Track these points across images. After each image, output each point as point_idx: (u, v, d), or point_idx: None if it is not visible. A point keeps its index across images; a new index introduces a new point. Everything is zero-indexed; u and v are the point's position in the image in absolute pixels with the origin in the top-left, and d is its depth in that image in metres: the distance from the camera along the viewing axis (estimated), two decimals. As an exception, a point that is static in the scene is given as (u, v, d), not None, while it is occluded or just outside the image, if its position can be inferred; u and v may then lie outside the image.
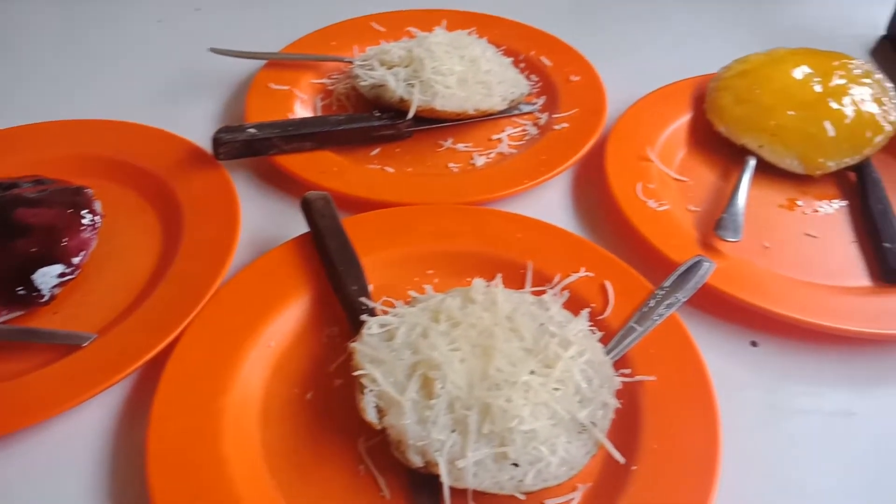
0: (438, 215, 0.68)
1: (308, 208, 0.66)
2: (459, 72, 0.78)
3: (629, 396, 0.54)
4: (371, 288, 0.60)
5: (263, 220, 0.71)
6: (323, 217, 0.65)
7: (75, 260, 0.63)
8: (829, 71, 0.79)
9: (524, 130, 0.82)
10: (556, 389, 0.49)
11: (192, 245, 0.65)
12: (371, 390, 0.49)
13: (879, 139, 0.75)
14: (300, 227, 0.66)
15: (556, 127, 0.80)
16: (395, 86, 0.76)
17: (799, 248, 0.69)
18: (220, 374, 0.55)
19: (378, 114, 0.78)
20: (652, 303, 0.59)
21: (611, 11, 1.09)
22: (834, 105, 0.76)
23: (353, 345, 0.52)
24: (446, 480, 0.46)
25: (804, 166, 0.75)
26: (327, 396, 0.56)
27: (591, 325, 0.56)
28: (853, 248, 0.69)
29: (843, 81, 0.78)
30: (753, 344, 0.62)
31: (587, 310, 0.57)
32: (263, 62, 0.89)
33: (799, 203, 0.74)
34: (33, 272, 0.60)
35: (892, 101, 0.78)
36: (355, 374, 0.51)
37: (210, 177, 0.72)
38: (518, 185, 0.72)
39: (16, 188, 0.66)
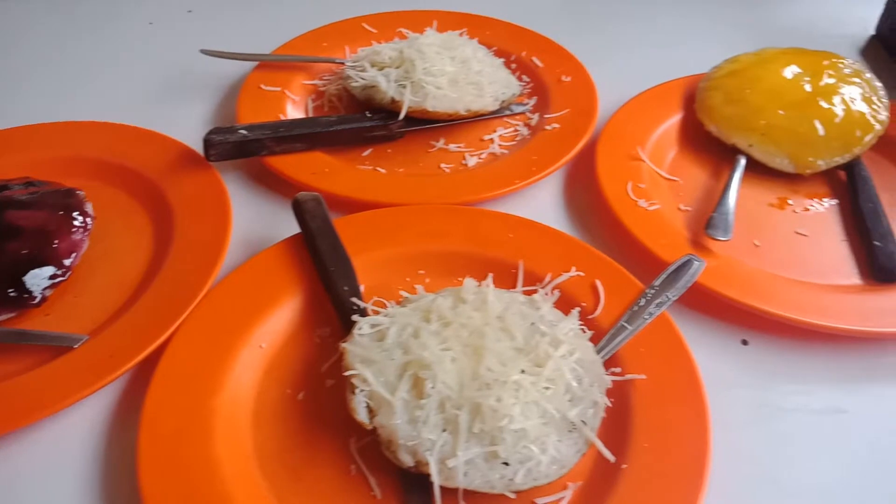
0: (430, 215, 0.68)
1: (299, 209, 0.66)
2: (450, 72, 0.78)
3: (619, 395, 0.54)
4: (363, 288, 0.61)
5: (255, 221, 0.71)
6: (314, 218, 0.65)
7: (66, 262, 0.63)
8: (818, 70, 0.80)
9: (516, 131, 0.82)
10: (547, 388, 0.49)
11: (184, 246, 0.65)
12: (362, 390, 0.50)
13: (869, 138, 0.76)
14: (292, 227, 0.66)
15: (548, 127, 0.80)
16: (387, 87, 0.76)
17: (789, 247, 0.69)
18: (212, 375, 0.55)
19: (369, 115, 0.79)
20: (642, 302, 0.59)
21: (602, 12, 1.09)
22: (824, 104, 0.76)
23: (344, 345, 0.52)
24: (437, 480, 0.46)
25: (794, 165, 0.75)
26: (319, 397, 0.56)
27: (581, 325, 0.57)
28: (843, 247, 0.69)
29: (832, 81, 0.79)
30: (744, 342, 0.62)
31: (578, 309, 0.57)
32: (255, 64, 0.89)
33: (789, 202, 0.74)
34: (24, 274, 0.60)
35: (882, 100, 0.79)
36: (346, 374, 0.51)
37: (201, 178, 0.72)
38: (509, 185, 0.72)
39: (7, 190, 0.66)
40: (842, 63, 0.81)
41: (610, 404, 0.53)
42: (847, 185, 0.75)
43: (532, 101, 0.86)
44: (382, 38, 0.94)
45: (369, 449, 0.52)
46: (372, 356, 0.51)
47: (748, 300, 0.61)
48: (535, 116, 0.83)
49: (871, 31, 1.04)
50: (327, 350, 0.58)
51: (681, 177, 0.76)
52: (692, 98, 0.84)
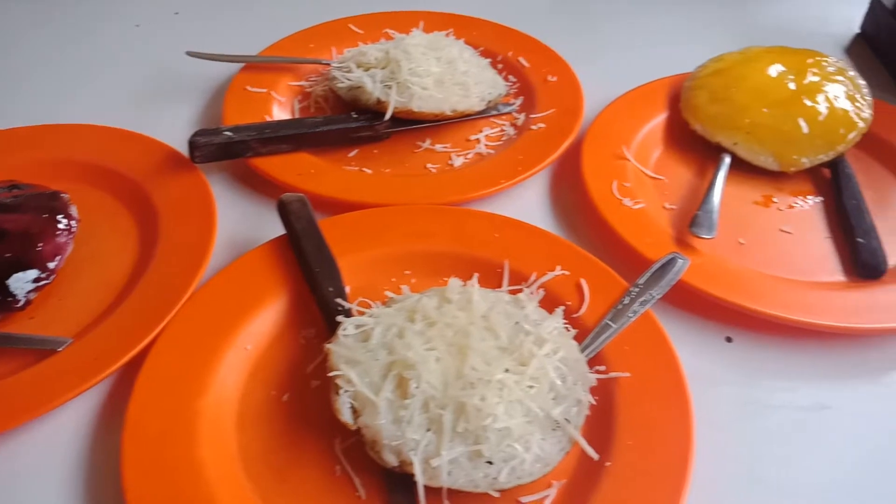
0: (416, 216, 0.68)
1: (284, 210, 0.66)
2: (436, 73, 0.78)
3: (604, 393, 0.54)
4: (348, 289, 0.61)
5: (240, 222, 0.71)
6: (299, 219, 0.65)
7: (51, 265, 0.62)
8: (802, 69, 0.80)
9: (502, 131, 0.82)
10: (531, 387, 0.50)
11: (169, 248, 0.65)
12: (346, 391, 0.49)
13: (853, 135, 0.76)
14: (277, 229, 0.66)
15: (534, 127, 0.81)
16: (372, 87, 0.76)
17: (774, 244, 0.69)
18: (197, 377, 0.55)
19: (355, 115, 0.78)
20: (627, 300, 0.60)
21: (588, 12, 1.10)
22: (808, 102, 0.77)
23: (328, 346, 0.52)
24: (421, 479, 0.46)
25: (779, 163, 0.75)
26: (304, 398, 0.56)
27: (566, 323, 0.57)
28: (827, 244, 0.70)
29: (816, 79, 0.79)
30: (728, 340, 0.62)
31: (562, 308, 0.57)
32: (241, 65, 0.89)
33: (774, 200, 0.74)
34: (8, 277, 0.60)
35: (865, 97, 0.79)
36: (330, 374, 0.51)
37: (187, 180, 0.72)
38: (495, 185, 0.72)
39: (-10, 193, 0.66)
40: (826, 61, 0.82)
41: (594, 402, 0.53)
42: (831, 183, 0.75)
43: (518, 101, 0.86)
44: (369, 38, 0.94)
45: (354, 449, 0.51)
46: (356, 357, 0.51)
47: (732, 298, 0.61)
48: (522, 116, 0.83)
49: (857, 29, 1.04)
50: (312, 351, 0.58)
51: (666, 175, 0.76)
52: (677, 97, 0.84)
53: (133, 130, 0.78)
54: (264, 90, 0.85)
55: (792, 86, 0.78)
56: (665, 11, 1.09)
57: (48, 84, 0.93)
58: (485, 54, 0.90)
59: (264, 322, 0.60)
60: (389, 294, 0.60)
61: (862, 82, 0.80)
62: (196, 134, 0.73)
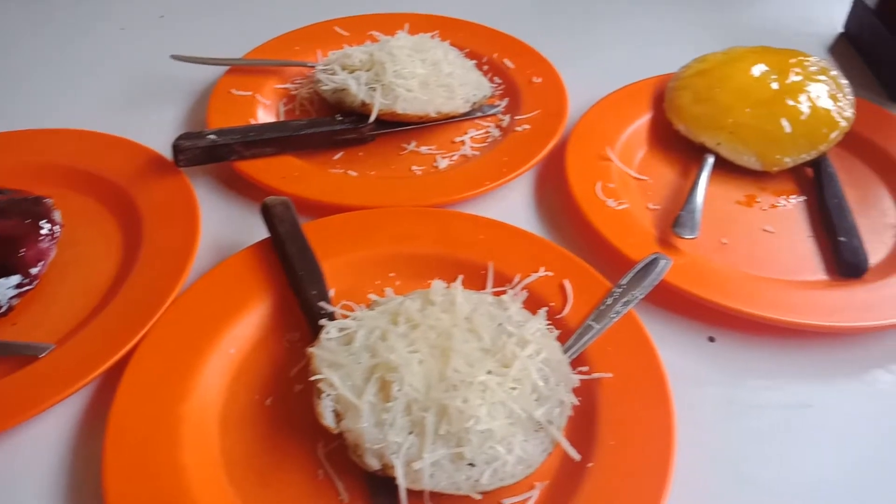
0: (400, 218, 0.68)
1: (268, 214, 0.66)
2: (421, 75, 0.78)
3: (586, 394, 0.54)
4: (332, 292, 0.61)
5: (224, 226, 0.71)
6: (283, 222, 0.65)
7: (34, 270, 0.62)
8: (785, 68, 0.80)
9: (487, 132, 0.83)
10: (513, 388, 0.50)
11: (152, 252, 0.65)
12: (328, 395, 0.49)
13: (835, 135, 0.76)
14: (261, 232, 0.66)
15: (519, 128, 0.81)
16: (357, 90, 0.76)
17: (756, 244, 0.70)
18: (179, 382, 0.55)
19: (340, 118, 0.78)
20: (609, 300, 0.60)
21: (572, 14, 1.10)
22: (790, 102, 0.77)
23: (311, 350, 0.52)
24: (403, 482, 0.46)
25: (762, 163, 0.76)
26: (287, 402, 0.55)
27: (549, 324, 0.57)
28: (810, 243, 0.70)
29: (799, 78, 0.79)
30: (711, 339, 0.62)
31: (545, 309, 0.57)
32: (226, 68, 0.89)
33: (757, 199, 0.75)
34: (-10, 283, 0.60)
35: (847, 97, 0.79)
36: (313, 378, 0.51)
37: (170, 184, 0.72)
38: (480, 186, 0.72)
39: (-28, 199, 0.66)
40: (808, 61, 0.82)
41: (577, 403, 0.53)
42: (814, 182, 0.76)
43: (503, 103, 0.86)
44: (355, 41, 0.94)
45: (337, 453, 0.51)
46: (339, 360, 0.51)
47: (715, 297, 0.61)
48: (507, 118, 0.84)
49: (840, 29, 1.05)
50: (296, 355, 0.58)
51: (650, 176, 0.77)
52: (661, 98, 0.84)
53: (117, 134, 0.78)
54: (249, 93, 0.85)
55: (775, 86, 0.79)
56: (649, 12, 1.10)
57: (31, 88, 0.93)
58: (470, 56, 0.90)
59: (248, 326, 0.60)
60: (373, 297, 0.60)
61: (844, 81, 0.81)
62: (180, 137, 0.73)
